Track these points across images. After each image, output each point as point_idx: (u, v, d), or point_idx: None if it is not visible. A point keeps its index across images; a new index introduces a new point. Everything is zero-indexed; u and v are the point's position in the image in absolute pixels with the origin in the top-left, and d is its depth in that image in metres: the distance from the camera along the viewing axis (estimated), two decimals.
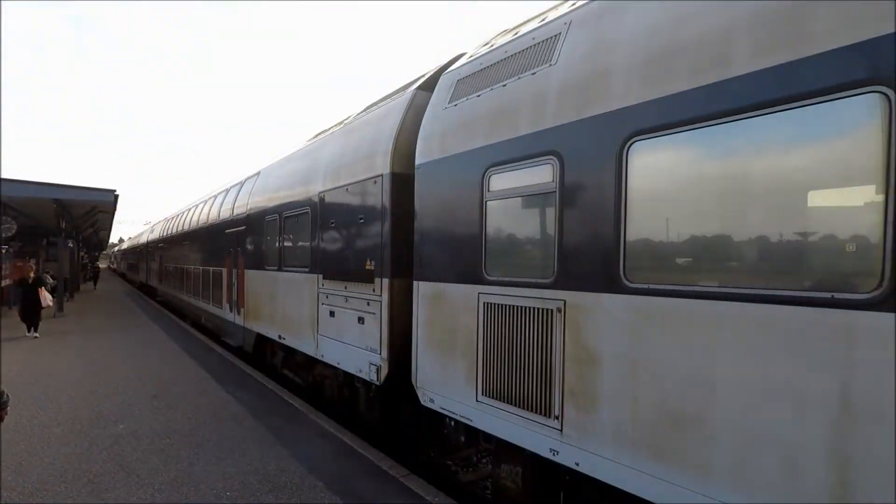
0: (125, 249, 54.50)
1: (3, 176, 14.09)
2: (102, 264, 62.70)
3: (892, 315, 2.03)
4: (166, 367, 9.54)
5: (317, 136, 8.40)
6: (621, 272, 3.05)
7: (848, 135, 2.17)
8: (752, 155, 2.48)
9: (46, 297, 14.08)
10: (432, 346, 4.68)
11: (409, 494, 4.55)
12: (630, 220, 3.01)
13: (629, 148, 3.01)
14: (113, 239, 71.40)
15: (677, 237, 2.81)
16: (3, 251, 18.93)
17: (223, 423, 6.34)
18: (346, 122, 7.21)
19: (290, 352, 8.12)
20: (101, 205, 18.07)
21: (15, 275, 20.21)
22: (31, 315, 13.30)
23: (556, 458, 3.45)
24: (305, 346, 7.18)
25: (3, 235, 16.33)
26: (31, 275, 14.22)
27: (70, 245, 22.97)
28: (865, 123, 2.11)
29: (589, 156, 3.25)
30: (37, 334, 13.29)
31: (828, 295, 2.20)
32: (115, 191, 16.22)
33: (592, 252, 3.22)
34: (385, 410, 5.85)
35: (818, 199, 2.24)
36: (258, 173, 10.14)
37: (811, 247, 2.28)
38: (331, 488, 4.60)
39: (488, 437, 4.20)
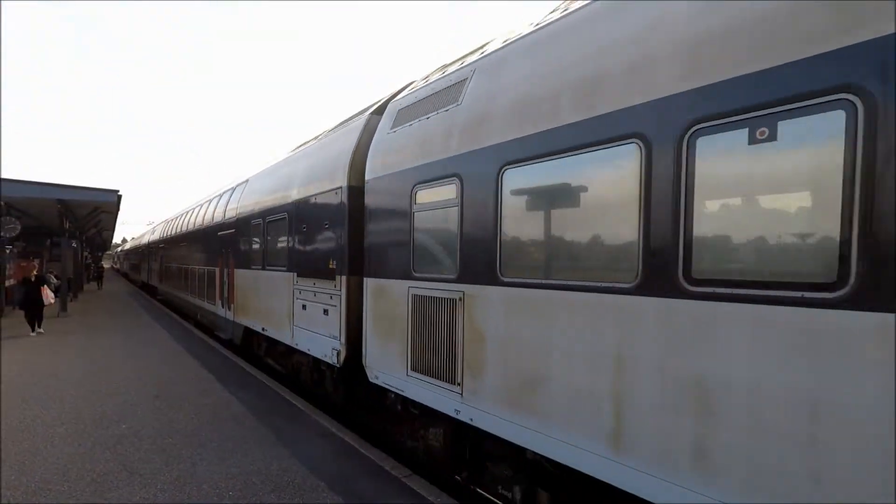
0: (128, 250, 55.75)
1: (6, 176, 14.16)
2: (106, 264, 62.85)
3: (643, 298, 2.93)
4: (168, 366, 9.57)
5: (297, 147, 9.36)
6: (498, 269, 3.94)
7: (619, 169, 3.09)
8: (577, 182, 3.36)
9: (49, 296, 14.46)
10: (377, 332, 5.53)
11: (410, 494, 4.56)
12: (503, 228, 3.90)
13: (503, 174, 3.91)
14: (116, 239, 71.67)
15: (531, 242, 3.71)
16: (7, 251, 19.03)
17: (225, 422, 6.36)
18: (319, 136, 8.24)
19: (272, 342, 9.06)
20: (104, 205, 18.16)
21: (19, 275, 20.39)
22: (34, 312, 13.68)
23: (458, 416, 4.35)
24: (284, 336, 8.06)
25: (7, 236, 16.41)
26: (34, 273, 14.73)
27: (73, 245, 23.05)
28: (628, 166, 3.02)
29: (479, 178, 4.14)
30: (41, 330, 13.69)
31: (610, 283, 3.12)
32: (118, 191, 16.30)
33: (481, 253, 4.10)
34: (347, 390, 6.72)
35: (611, 215, 3.16)
36: (247, 181, 11.03)
37: (608, 252, 3.17)
38: (333, 488, 4.61)
39: (415, 405, 5.17)
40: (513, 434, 3.80)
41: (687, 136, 2.73)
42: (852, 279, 2.13)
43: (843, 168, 2.19)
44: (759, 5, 2.49)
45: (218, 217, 12.54)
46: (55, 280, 19.72)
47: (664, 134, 2.84)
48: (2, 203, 14.60)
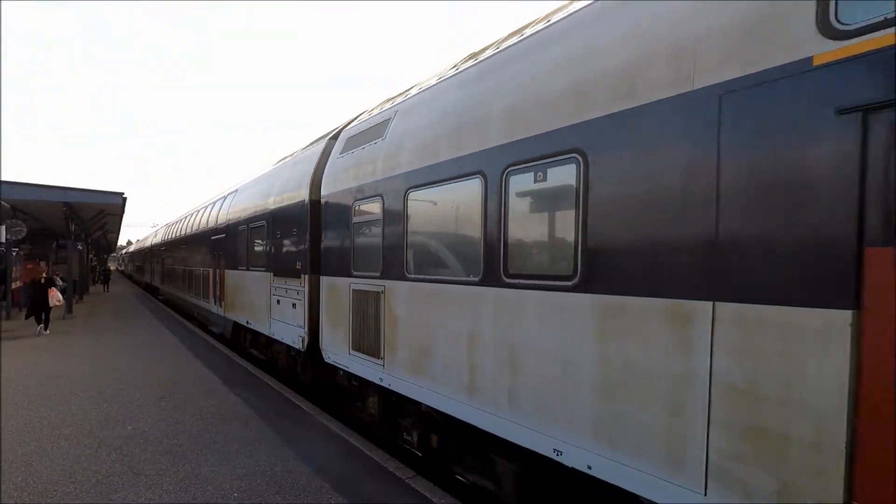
0: (132, 252, 56.81)
1: (10, 179, 14.28)
2: (111, 266, 63.13)
3: (484, 288, 4.07)
4: (174, 368, 9.61)
5: (277, 162, 10.68)
6: (405, 268, 5.09)
7: (472, 195, 4.21)
8: (450, 202, 4.52)
9: (57, 297, 14.76)
10: (329, 320, 6.75)
11: (414, 496, 4.56)
12: (409, 237, 5.04)
13: (408, 194, 5.06)
14: (121, 241, 72.05)
15: (425, 247, 4.88)
16: (14, 254, 19.17)
17: (230, 424, 6.38)
18: (294, 154, 9.64)
19: (256, 334, 10.37)
20: (109, 207, 18.28)
21: (25, 277, 20.56)
22: (41, 312, 14.01)
23: (381, 383, 5.54)
24: (263, 328, 9.35)
25: (14, 238, 16.54)
26: (43, 275, 15.01)
27: (79, 247, 23.20)
28: (476, 194, 4.16)
29: (393, 197, 5.30)
30: (47, 331, 13.94)
31: (467, 277, 4.26)
32: (122, 193, 16.41)
33: (396, 256, 5.25)
34: (313, 371, 7.91)
35: (468, 228, 4.30)
36: (236, 190, 12.40)
37: (466, 255, 4.30)
38: (337, 489, 4.62)
39: (356, 378, 6.47)
40: (414, 393, 4.99)
41: (504, 174, 3.91)
42: (578, 274, 3.33)
43: (575, 200, 3.35)
44: (540, 97, 3.72)
45: (211, 223, 13.86)
46: (61, 282, 19.84)
47: (493, 172, 4.01)
48: (8, 206, 14.71)
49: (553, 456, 3.49)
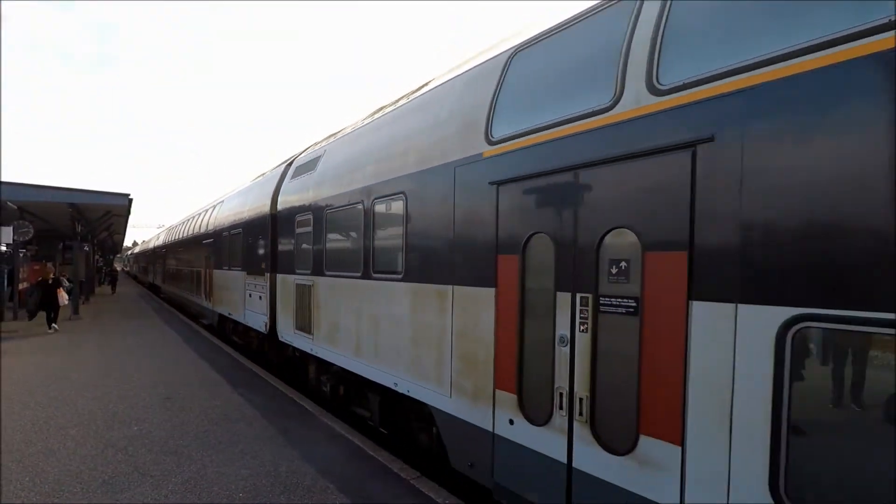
0: (137, 253, 58.47)
1: (11, 179, 14.41)
2: (117, 267, 63.34)
3: (363, 280, 5.84)
4: (179, 369, 9.66)
5: (255, 178, 12.61)
6: (324, 267, 6.97)
7: (357, 216, 6.04)
8: (350, 220, 6.22)
9: (63, 297, 15.37)
10: (281, 308, 8.74)
11: (419, 496, 4.56)
12: (326, 244, 6.92)
13: (325, 213, 6.94)
14: (127, 242, 72.40)
15: (335, 252, 6.72)
16: (20, 255, 19.29)
17: (235, 424, 6.40)
18: (265, 173, 11.69)
19: (236, 323, 12.27)
20: (115, 208, 18.36)
21: (32, 277, 20.69)
22: (49, 311, 14.73)
23: (312, 353, 7.46)
24: (239, 317, 11.51)
25: (21, 239, 16.65)
26: (51, 276, 15.59)
27: (85, 248, 23.33)
28: (361, 216, 5.91)
29: (318, 215, 7.18)
30: (56, 327, 14.60)
31: (397, 276, 5.25)
32: (128, 195, 16.48)
33: (320, 258, 7.12)
34: (274, 349, 9.89)
35: (356, 239, 6.14)
36: (222, 201, 14.71)
37: (357, 258, 5.97)
38: (342, 490, 4.63)
39: (298, 350, 8.29)
40: (329, 356, 6.93)
41: (372, 203, 5.72)
42: (402, 270, 5.12)
43: (402, 224, 5.13)
44: (388, 155, 5.61)
45: (202, 228, 16.16)
46: (67, 283, 19.95)
47: (367, 202, 5.83)
48: (15, 207, 14.81)
49: (393, 387, 5.38)
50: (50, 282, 15.24)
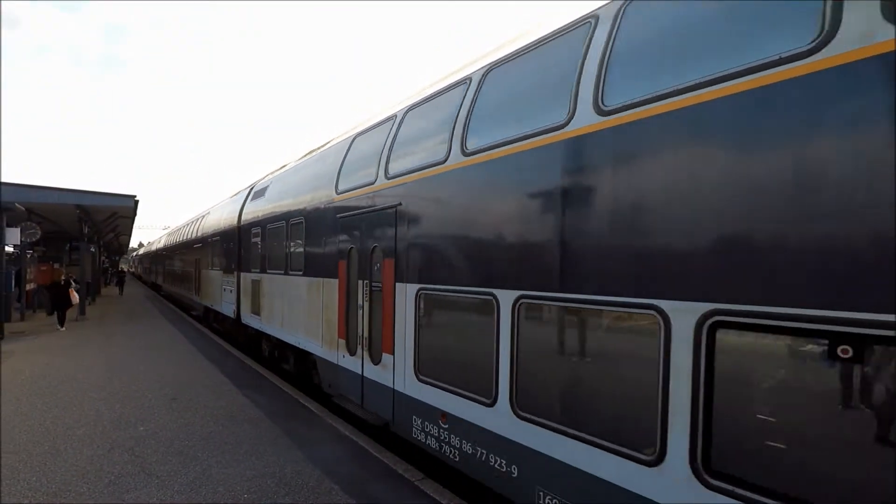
0: (141, 255, 60.92)
1: (22, 181, 14.54)
2: (123, 268, 63.60)
3: (285, 276, 8.82)
4: (185, 370, 9.70)
5: (233, 195, 15.35)
6: (266, 266, 9.91)
7: (282, 231, 9.12)
8: (281, 232, 9.05)
9: (75, 297, 16.54)
10: (243, 298, 11.58)
11: (424, 498, 4.56)
12: (267, 250, 9.91)
13: (266, 227, 9.98)
14: (133, 244, 72.81)
15: (272, 255, 9.67)
16: (28, 256, 19.43)
17: (240, 425, 6.42)
18: (238, 192, 14.47)
19: (216, 312, 15.15)
20: (121, 209, 18.47)
21: (39, 279, 20.83)
22: (61, 310, 15.78)
23: (260, 328, 10.39)
24: (218, 307, 14.54)
25: (28, 241, 16.78)
26: (63, 277, 16.95)
27: (92, 249, 23.46)
28: (285, 230, 8.95)
29: (262, 228, 10.18)
30: (62, 328, 15.33)
31: (300, 272, 8.08)
32: (135, 196, 16.58)
33: (263, 260, 10.10)
34: (240, 331, 12.56)
35: (293, 246, 8.62)
36: (209, 212, 18.22)
37: (284, 260, 8.88)
38: (347, 491, 4.63)
39: (253, 329, 11.11)
40: (269, 331, 9.76)
41: (288, 222, 8.64)
42: (303, 269, 7.97)
43: (304, 238, 8.01)
44: (298, 190, 8.58)
45: (193, 235, 19.56)
46: (74, 284, 20.09)
47: (287, 221, 8.70)
48: (23, 208, 14.92)
49: (297, 345, 8.20)
50: (62, 283, 16.45)
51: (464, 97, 4.77)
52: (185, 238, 21.99)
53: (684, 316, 2.70)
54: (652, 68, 3.08)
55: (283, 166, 10.81)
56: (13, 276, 17.47)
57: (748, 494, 2.41)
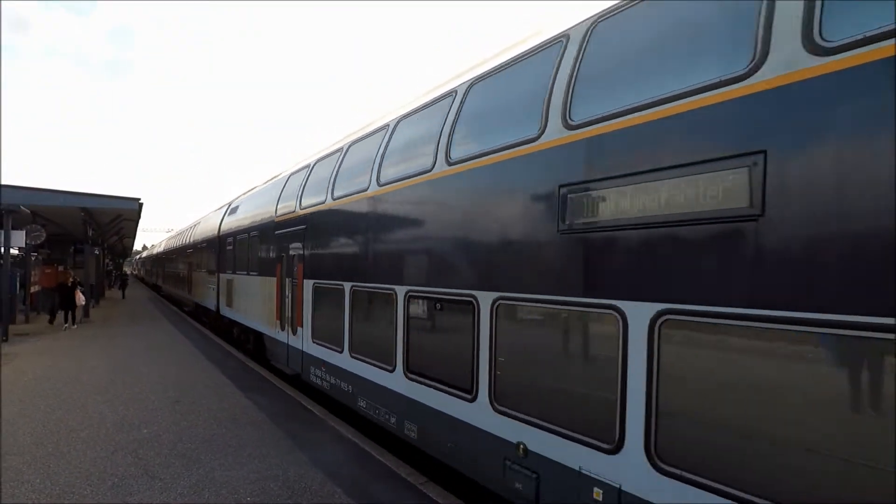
0: (143, 258, 62.86)
1: (23, 183, 14.68)
2: (127, 270, 63.72)
3: (247, 276, 11.71)
4: (188, 372, 9.72)
5: (217, 209, 17.99)
6: (235, 268, 12.89)
7: (248, 241, 12.15)
8: (248, 243, 11.73)
9: (81, 298, 17.19)
10: (222, 294, 14.34)
11: (427, 501, 4.55)
12: (236, 255, 12.90)
13: (237, 237, 12.92)
14: (137, 246, 73.08)
15: (239, 259, 12.50)
16: (33, 258, 19.52)
17: (243, 428, 6.42)
18: (220, 208, 17.11)
19: (205, 308, 17.37)
20: (125, 212, 18.55)
21: (44, 281, 20.93)
22: (70, 311, 16.67)
23: (234, 318, 13.18)
24: (204, 303, 17.39)
25: (33, 243, 16.86)
26: (70, 280, 17.72)
27: (96, 252, 23.55)
28: (247, 241, 12.26)
29: (234, 238, 13.12)
30: (75, 326, 16.65)
31: (256, 273, 10.91)
32: (139, 199, 16.67)
33: (234, 263, 13.07)
34: (220, 322, 15.10)
35: (269, 250, 10.44)
36: (199, 221, 21.45)
37: (247, 262, 11.86)
38: (349, 494, 4.63)
39: (227, 319, 14.07)
40: (239, 319, 12.54)
41: (249, 234, 11.57)
42: (257, 270, 10.81)
43: (257, 247, 10.99)
44: (255, 217, 11.49)
45: (186, 241, 22.79)
46: (80, 287, 20.23)
47: (247, 234, 11.76)
48: (28, 211, 15.00)
49: (254, 328, 11.11)
50: (69, 284, 17.34)
51: (380, 142, 6.35)
52: (179, 244, 26.09)
53: (640, 314, 3.04)
54: (614, 87, 3.41)
55: (253, 188, 13.59)
56: (17, 279, 17.56)
57: (694, 477, 2.75)
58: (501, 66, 4.54)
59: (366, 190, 6.19)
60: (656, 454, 2.92)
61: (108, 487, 4.75)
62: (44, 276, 21.44)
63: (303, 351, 8.10)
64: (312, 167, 8.45)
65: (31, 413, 7.00)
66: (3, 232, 13.93)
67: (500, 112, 4.55)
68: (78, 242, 23.79)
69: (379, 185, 5.92)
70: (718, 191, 2.64)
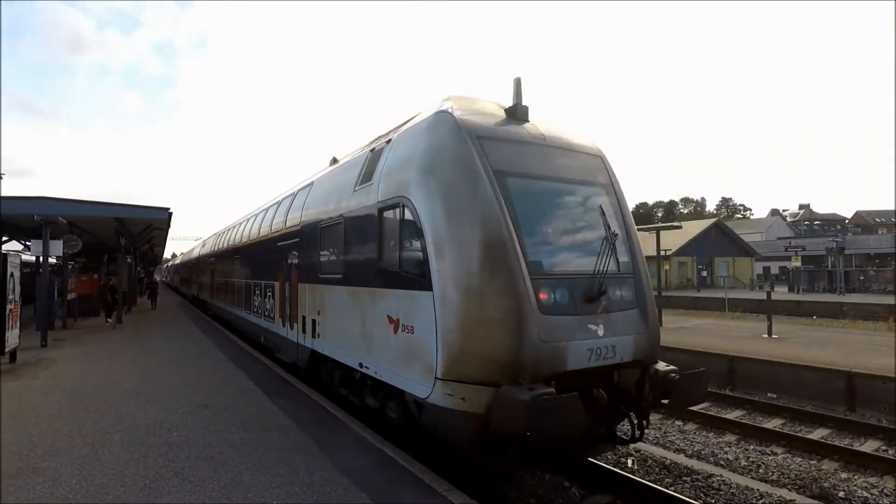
0: (176, 265, 64.42)
1: (68, 196, 15.25)
2: (157, 278, 65.24)
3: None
4: (217, 378, 9.90)
5: (233, 224, 20.45)
6: (250, 276, 14.76)
7: (235, 262, 18.48)
8: (232, 261, 18.11)
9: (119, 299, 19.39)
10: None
11: None
12: (250, 264, 15.11)
13: (248, 248, 15.31)
14: (167, 254, 75.14)
15: (251, 268, 14.92)
16: (70, 267, 20.29)
17: (269, 433, 6.50)
18: (234, 224, 19.95)
19: (226, 311, 19.41)
20: (155, 222, 19.11)
21: (80, 289, 21.73)
22: (113, 311, 19.89)
23: (221, 308, 20.09)
24: (227, 307, 18.95)
25: (70, 252, 17.50)
26: (111, 284, 20.58)
27: (129, 260, 24.32)
28: (233, 261, 18.77)
29: (213, 259, 22.68)
30: (111, 321, 19.63)
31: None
32: (168, 209, 17.15)
33: (249, 272, 15.19)
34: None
35: (227, 267, 19.25)
36: (218, 234, 24.33)
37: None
38: (375, 500, 4.63)
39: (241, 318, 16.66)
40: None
41: (232, 255, 18.28)
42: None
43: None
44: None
45: (206, 252, 26.43)
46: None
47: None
48: (64, 221, 15.59)
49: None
50: (110, 288, 20.37)
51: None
52: (201, 254, 29.72)
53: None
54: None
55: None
56: (56, 286, 18.24)
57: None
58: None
59: None
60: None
61: (140, 488, 4.86)
62: (80, 284, 22.29)
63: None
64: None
65: (69, 415, 7.24)
66: (42, 241, 14.50)
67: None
68: (112, 251, 24.59)
69: None
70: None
